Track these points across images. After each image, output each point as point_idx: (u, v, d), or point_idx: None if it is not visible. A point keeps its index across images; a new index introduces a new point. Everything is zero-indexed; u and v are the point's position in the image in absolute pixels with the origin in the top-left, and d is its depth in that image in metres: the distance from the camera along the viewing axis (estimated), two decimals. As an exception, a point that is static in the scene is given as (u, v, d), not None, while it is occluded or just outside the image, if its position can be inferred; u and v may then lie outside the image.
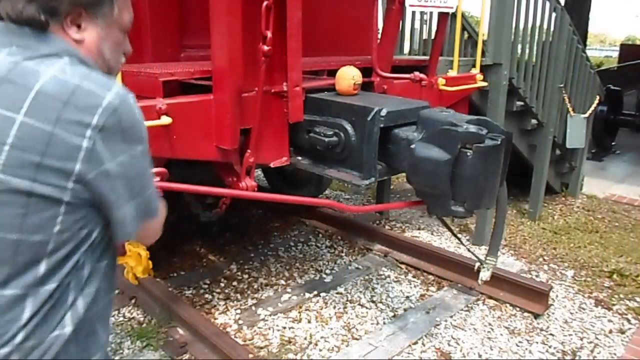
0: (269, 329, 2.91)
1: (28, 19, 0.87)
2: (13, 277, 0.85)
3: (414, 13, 4.95)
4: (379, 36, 3.06)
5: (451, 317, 3.06)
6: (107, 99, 0.87)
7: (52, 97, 0.83)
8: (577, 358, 2.75)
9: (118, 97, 0.88)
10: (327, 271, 3.63)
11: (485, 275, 2.60)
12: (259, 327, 2.92)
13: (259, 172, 4.92)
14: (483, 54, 3.86)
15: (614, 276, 3.68)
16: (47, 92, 0.84)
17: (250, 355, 2.53)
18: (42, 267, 0.86)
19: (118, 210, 0.91)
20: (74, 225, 0.88)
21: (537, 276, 3.67)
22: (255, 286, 3.39)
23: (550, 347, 2.83)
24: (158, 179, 1.88)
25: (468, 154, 2.00)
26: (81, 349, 0.94)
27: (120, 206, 0.91)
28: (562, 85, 4.74)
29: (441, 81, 3.31)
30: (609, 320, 3.11)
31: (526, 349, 2.80)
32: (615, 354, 2.79)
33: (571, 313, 3.18)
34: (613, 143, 7.82)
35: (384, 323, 2.98)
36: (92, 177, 0.86)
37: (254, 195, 2.44)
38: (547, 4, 4.41)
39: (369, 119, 2.26)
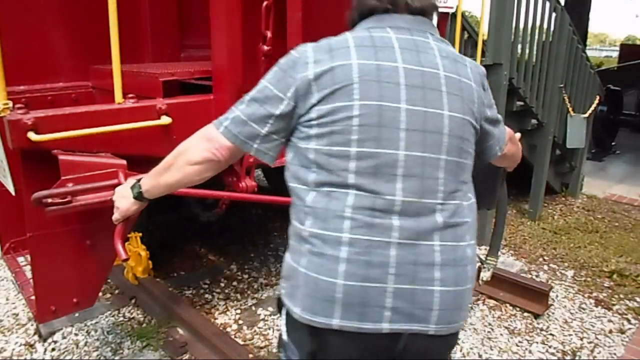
0: (269, 329, 2.90)
1: (433, 8, 1.22)
2: (455, 191, 1.13)
3: (414, 13, 4.93)
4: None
5: (451, 317, 3.06)
6: (482, 67, 1.27)
7: (472, 68, 1.21)
8: (577, 358, 2.74)
9: None
10: (327, 271, 3.62)
11: (486, 275, 2.59)
12: (259, 327, 2.92)
13: (258, 172, 4.92)
14: (483, 54, 3.86)
15: (614, 276, 3.68)
16: (470, 64, 1.21)
17: (250, 355, 2.53)
18: (469, 185, 1.20)
19: (492, 138, 1.32)
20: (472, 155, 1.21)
21: (537, 276, 3.67)
22: (255, 286, 3.39)
23: (550, 347, 2.83)
24: None
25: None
26: None
27: (493, 136, 1.31)
28: (562, 85, 4.74)
29: (441, 81, 3.30)
30: (609, 320, 3.11)
31: (526, 349, 2.80)
32: (615, 354, 2.78)
33: (571, 313, 3.18)
34: (613, 143, 7.82)
35: (384, 323, 2.97)
36: (483, 116, 1.23)
37: (253, 197, 2.43)
38: (547, 4, 4.42)
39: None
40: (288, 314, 1.15)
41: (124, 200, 1.34)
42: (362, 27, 1.18)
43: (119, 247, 1.43)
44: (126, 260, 1.48)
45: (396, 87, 1.08)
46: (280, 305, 1.20)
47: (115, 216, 1.38)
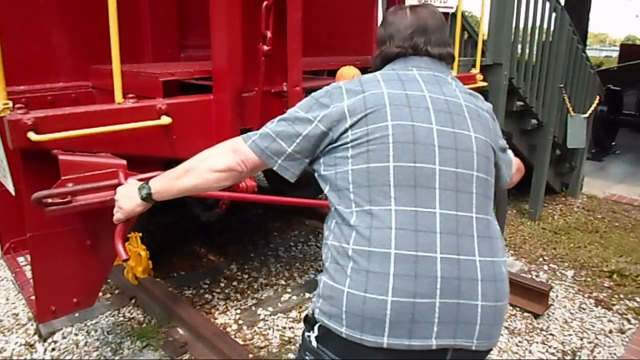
0: (269, 329, 2.90)
1: (451, 56, 1.35)
2: (486, 206, 1.20)
3: (414, 13, 4.92)
4: (379, 36, 3.05)
5: (451, 317, 3.06)
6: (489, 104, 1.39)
7: (483, 101, 1.33)
8: (577, 358, 2.74)
9: None
10: (327, 271, 3.62)
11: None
12: (259, 327, 2.92)
13: (258, 172, 4.91)
14: (483, 54, 3.86)
15: (614, 276, 3.68)
16: (481, 99, 1.34)
17: (250, 355, 2.53)
18: (492, 200, 1.25)
19: (504, 165, 1.38)
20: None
21: (537, 276, 3.67)
22: (255, 286, 3.39)
23: (550, 347, 2.83)
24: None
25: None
26: None
27: (505, 162, 1.39)
28: (562, 85, 4.74)
29: (441, 81, 3.29)
30: (609, 320, 3.11)
31: (526, 349, 2.80)
32: (615, 354, 2.79)
33: (571, 313, 3.18)
34: (613, 143, 7.82)
35: (384, 323, 2.97)
36: (497, 145, 1.32)
37: (253, 197, 2.43)
38: (547, 4, 4.42)
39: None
40: (324, 331, 1.15)
41: (129, 201, 1.35)
42: (387, 68, 1.32)
43: (120, 247, 1.43)
44: (126, 260, 1.48)
45: (426, 110, 1.18)
46: (311, 322, 1.21)
47: (118, 216, 1.38)
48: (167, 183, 1.30)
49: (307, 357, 1.22)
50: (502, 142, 1.37)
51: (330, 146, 1.18)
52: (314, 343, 1.19)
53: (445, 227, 1.10)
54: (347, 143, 1.15)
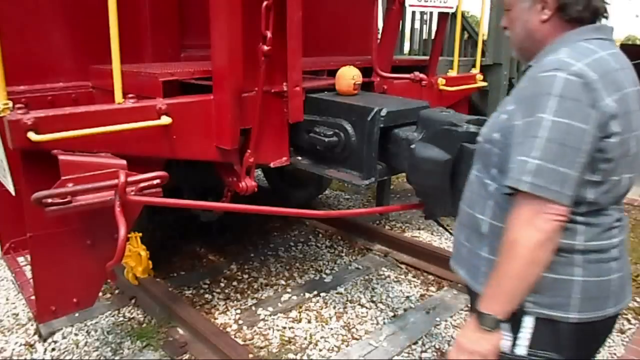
0: (269, 329, 2.90)
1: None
2: None
3: (414, 13, 4.95)
4: (379, 36, 3.07)
5: (451, 317, 3.06)
6: None
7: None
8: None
9: None
10: (327, 271, 3.63)
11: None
12: (259, 327, 2.92)
13: (259, 172, 4.92)
14: (483, 54, 3.86)
15: (614, 276, 3.67)
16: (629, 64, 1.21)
17: (250, 355, 2.53)
18: None
19: None
20: None
21: (537, 276, 3.66)
22: (255, 286, 3.39)
23: (550, 347, 2.82)
24: (158, 181, 1.88)
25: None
26: None
27: None
28: (562, 85, 4.74)
29: (441, 81, 3.31)
30: (609, 320, 3.11)
31: (526, 349, 2.80)
32: (615, 354, 2.78)
33: (571, 313, 3.18)
34: (613, 143, 7.81)
35: (384, 323, 2.98)
36: None
37: (238, 207, 2.38)
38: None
39: (369, 119, 2.26)
40: (542, 324, 1.19)
41: (485, 342, 1.18)
42: (584, 37, 1.19)
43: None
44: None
45: (635, 113, 1.16)
46: (517, 318, 1.18)
47: None
48: (508, 301, 1.16)
49: None
50: None
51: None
52: (522, 350, 1.20)
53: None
54: (599, 151, 1.10)
